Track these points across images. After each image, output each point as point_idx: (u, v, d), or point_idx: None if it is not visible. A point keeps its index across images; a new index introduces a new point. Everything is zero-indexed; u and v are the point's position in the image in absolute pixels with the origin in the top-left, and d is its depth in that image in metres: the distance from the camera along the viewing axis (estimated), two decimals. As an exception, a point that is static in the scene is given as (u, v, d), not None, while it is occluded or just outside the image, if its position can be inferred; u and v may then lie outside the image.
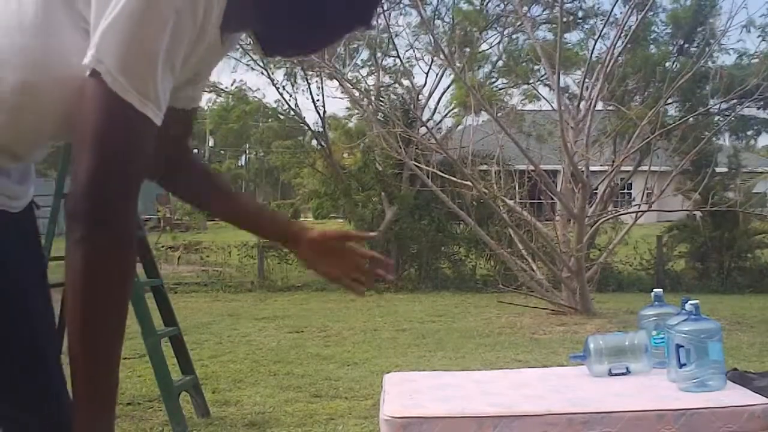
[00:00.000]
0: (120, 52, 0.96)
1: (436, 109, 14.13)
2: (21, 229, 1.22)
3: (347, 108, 14.67)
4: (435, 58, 12.87)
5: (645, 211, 9.61)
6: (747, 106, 11.91)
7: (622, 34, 8.71)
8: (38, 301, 1.24)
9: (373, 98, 12.88)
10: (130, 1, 0.95)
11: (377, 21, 13.92)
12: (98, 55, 0.96)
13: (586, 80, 9.15)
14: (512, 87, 15.06)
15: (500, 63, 14.34)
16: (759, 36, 13.27)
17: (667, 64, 12.84)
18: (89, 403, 1.01)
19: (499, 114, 9.93)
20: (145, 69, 0.97)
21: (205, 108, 24.46)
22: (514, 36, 14.21)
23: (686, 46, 13.10)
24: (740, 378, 2.40)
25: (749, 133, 14.83)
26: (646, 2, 9.46)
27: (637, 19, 9.28)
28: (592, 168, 8.84)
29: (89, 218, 0.96)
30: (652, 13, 12.10)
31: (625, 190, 16.02)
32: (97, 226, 0.96)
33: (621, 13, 10.28)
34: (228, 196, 1.45)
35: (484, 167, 10.27)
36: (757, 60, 11.89)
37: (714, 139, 11.95)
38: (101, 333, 1.00)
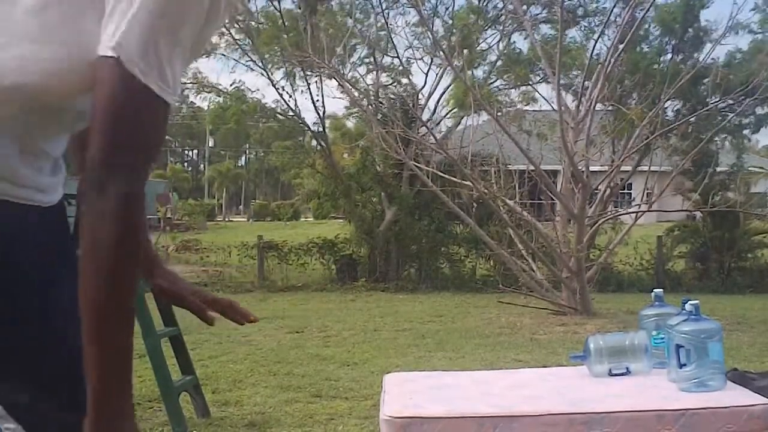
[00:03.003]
0: (140, 37, 0.98)
1: (435, 109, 14.14)
2: (52, 225, 1.22)
3: (346, 107, 14.64)
4: (434, 58, 12.87)
5: (645, 212, 9.61)
6: (746, 106, 11.90)
7: (620, 34, 8.69)
8: (69, 298, 1.25)
9: (372, 98, 12.87)
10: None
11: (375, 19, 13.95)
12: (119, 40, 0.98)
13: (586, 80, 9.15)
14: (511, 88, 15.07)
15: (499, 63, 14.34)
16: (748, 32, 13.25)
17: (661, 63, 12.84)
18: (103, 377, 1.05)
19: (499, 114, 9.93)
20: (164, 54, 0.99)
21: (204, 108, 24.46)
22: (513, 36, 14.24)
23: (680, 44, 13.09)
24: (740, 378, 2.40)
25: (745, 132, 14.81)
26: (645, 2, 9.46)
27: (636, 19, 9.28)
28: (592, 168, 8.84)
29: (102, 180, 0.98)
30: (650, 15, 12.09)
31: (625, 191, 16.02)
32: (106, 188, 0.98)
33: (619, 12, 10.28)
34: None
35: (485, 167, 10.26)
36: (749, 57, 11.88)
37: (714, 138, 11.93)
38: (111, 301, 1.03)
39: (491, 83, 14.68)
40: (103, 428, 1.06)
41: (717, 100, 11.08)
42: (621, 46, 8.75)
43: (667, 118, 11.32)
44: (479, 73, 14.21)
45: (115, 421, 1.09)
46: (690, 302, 2.13)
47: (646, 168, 10.21)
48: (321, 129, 14.28)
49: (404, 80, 14.58)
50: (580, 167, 8.24)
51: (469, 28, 13.22)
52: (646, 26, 12.96)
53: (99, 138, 0.98)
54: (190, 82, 15.79)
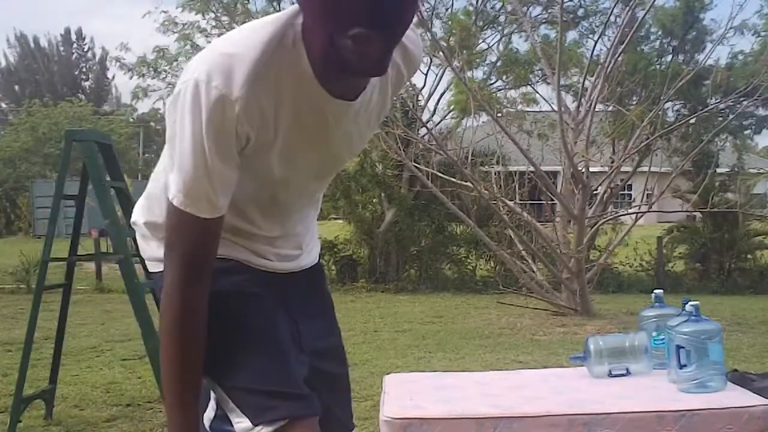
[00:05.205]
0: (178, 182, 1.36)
1: (435, 110, 14.12)
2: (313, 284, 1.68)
3: (346, 108, 14.62)
4: (434, 58, 12.85)
5: (645, 212, 9.60)
6: (747, 107, 11.90)
7: (620, 35, 8.69)
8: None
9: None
10: (174, 143, 1.35)
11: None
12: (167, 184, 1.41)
13: (586, 81, 9.14)
14: (511, 89, 15.04)
15: (499, 63, 14.32)
16: (753, 35, 13.22)
17: (662, 64, 12.83)
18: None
19: (499, 114, 9.92)
20: (197, 187, 1.34)
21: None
22: (513, 37, 14.20)
23: (681, 45, 13.09)
24: (740, 379, 2.40)
25: (746, 132, 14.81)
26: (645, 2, 9.47)
27: (636, 19, 9.28)
28: (592, 169, 8.83)
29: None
30: (651, 15, 12.09)
31: (625, 191, 16.01)
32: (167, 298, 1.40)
33: (619, 12, 10.28)
34: None
35: (485, 168, 10.25)
36: (752, 59, 11.88)
37: (714, 139, 11.92)
38: (163, 360, 1.43)
39: (491, 83, 14.66)
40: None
41: (717, 101, 11.07)
42: (621, 47, 8.74)
43: (667, 119, 11.31)
44: (479, 74, 14.18)
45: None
46: (690, 303, 2.13)
47: (646, 169, 10.21)
48: (321, 130, 14.26)
49: (404, 81, 14.55)
50: (580, 168, 8.24)
51: (467, 30, 13.19)
52: (647, 26, 12.96)
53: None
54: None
